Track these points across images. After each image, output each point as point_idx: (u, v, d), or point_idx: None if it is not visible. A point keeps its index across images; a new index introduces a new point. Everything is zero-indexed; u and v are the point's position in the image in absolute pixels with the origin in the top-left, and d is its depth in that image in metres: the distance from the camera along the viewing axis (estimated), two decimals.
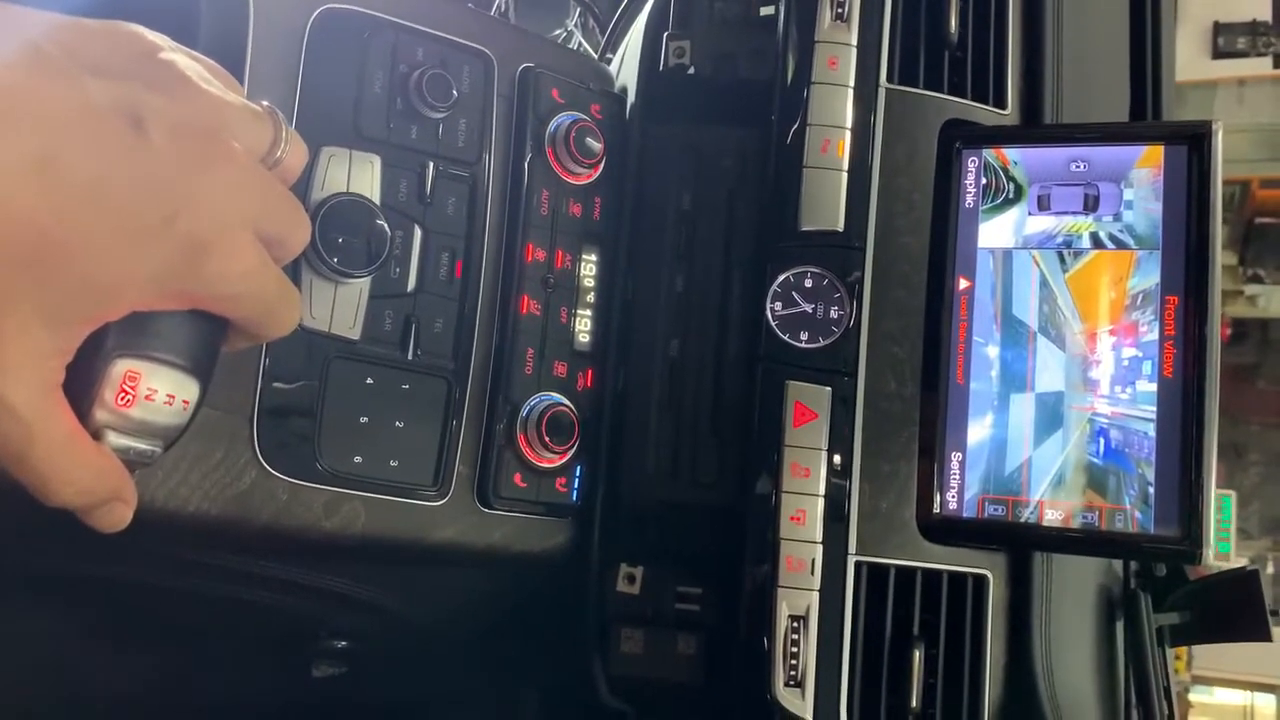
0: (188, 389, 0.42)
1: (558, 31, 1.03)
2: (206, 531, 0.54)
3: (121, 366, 0.40)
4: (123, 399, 0.40)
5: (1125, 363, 0.59)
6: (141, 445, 0.41)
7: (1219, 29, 4.04)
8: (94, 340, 0.39)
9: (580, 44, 0.99)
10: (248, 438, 0.54)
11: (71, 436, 0.39)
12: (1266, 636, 0.64)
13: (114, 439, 0.40)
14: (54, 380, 0.38)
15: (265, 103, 0.44)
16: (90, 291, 0.38)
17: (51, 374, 0.38)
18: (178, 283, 0.39)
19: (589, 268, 0.65)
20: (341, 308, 0.56)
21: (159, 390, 0.41)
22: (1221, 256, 0.61)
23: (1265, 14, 4.06)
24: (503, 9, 0.95)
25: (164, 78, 0.39)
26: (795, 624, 0.57)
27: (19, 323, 0.36)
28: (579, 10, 0.98)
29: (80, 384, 0.39)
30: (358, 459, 0.57)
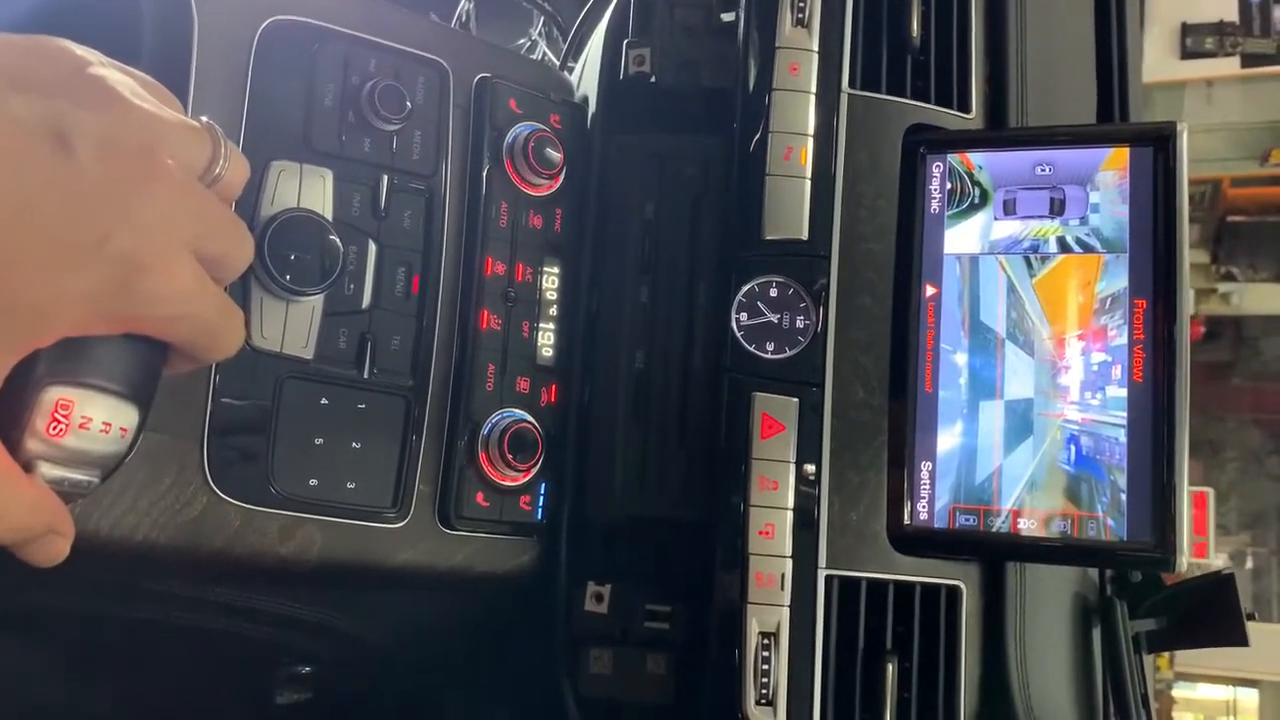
0: (125, 416, 0.40)
1: (521, 41, 1.01)
2: (157, 560, 0.52)
3: (53, 394, 0.38)
4: (55, 428, 0.38)
5: (1095, 368, 0.58)
6: (77, 476, 0.40)
7: (1186, 30, 4.08)
8: (23, 368, 0.37)
9: (544, 54, 0.98)
10: (198, 463, 0.52)
11: (2, 472, 0.37)
12: (1243, 641, 0.63)
13: (47, 470, 0.39)
14: None
15: (204, 118, 0.43)
16: (17, 318, 0.36)
17: None
18: (112, 306, 0.38)
19: (551, 280, 0.64)
20: (294, 327, 0.55)
21: (94, 418, 0.39)
22: (1193, 256, 0.60)
23: (1232, 14, 4.11)
24: (464, 20, 0.94)
25: (92, 93, 0.38)
26: (766, 640, 0.56)
27: None
28: (542, 20, 0.97)
29: (9, 414, 0.38)
30: (313, 482, 0.55)
